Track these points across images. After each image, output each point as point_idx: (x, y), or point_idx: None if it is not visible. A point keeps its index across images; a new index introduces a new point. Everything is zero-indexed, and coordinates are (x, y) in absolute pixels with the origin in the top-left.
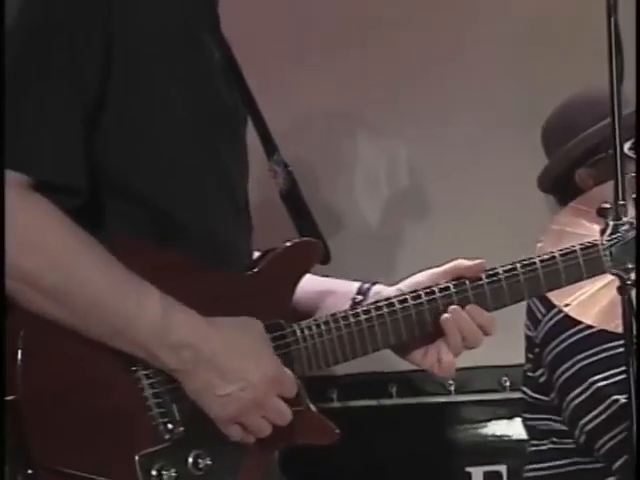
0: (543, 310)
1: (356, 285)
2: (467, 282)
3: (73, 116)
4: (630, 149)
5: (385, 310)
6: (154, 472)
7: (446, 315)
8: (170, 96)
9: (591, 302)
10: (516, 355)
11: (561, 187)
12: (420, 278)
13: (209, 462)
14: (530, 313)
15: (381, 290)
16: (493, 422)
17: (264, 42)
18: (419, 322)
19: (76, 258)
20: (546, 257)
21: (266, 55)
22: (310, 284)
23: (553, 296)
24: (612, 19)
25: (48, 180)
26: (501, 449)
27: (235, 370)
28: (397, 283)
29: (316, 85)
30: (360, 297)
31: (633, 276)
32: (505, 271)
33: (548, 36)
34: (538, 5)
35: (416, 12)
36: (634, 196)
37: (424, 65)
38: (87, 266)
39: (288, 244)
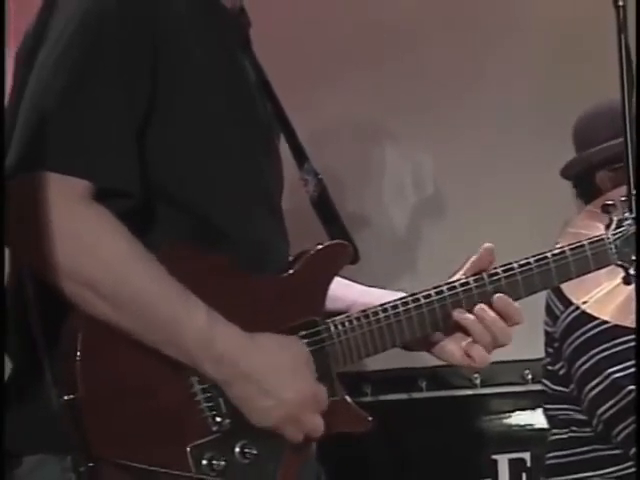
0: (561, 307)
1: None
2: (485, 276)
3: (126, 128)
4: None
5: (411, 305)
6: (205, 462)
7: (465, 313)
8: (212, 112)
9: (607, 299)
10: (537, 350)
11: (583, 182)
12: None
13: (254, 452)
14: (549, 310)
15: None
16: (516, 413)
17: (295, 57)
18: (442, 315)
19: (131, 266)
20: (557, 251)
21: (297, 70)
22: (341, 286)
23: (571, 294)
24: (622, 36)
25: (107, 186)
26: (524, 438)
27: (271, 387)
28: (421, 281)
29: (345, 98)
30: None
31: (635, 269)
32: (520, 265)
33: (564, 48)
34: (554, 19)
35: (440, 28)
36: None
37: (447, 78)
38: (141, 275)
39: (320, 246)
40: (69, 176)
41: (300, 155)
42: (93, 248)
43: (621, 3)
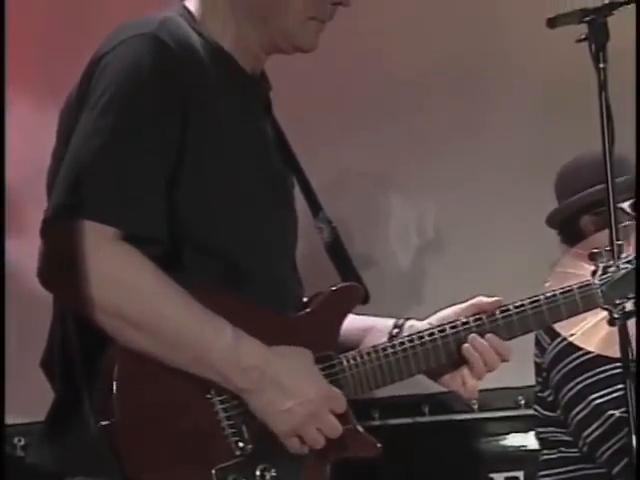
0: (548, 340)
1: (392, 321)
2: (484, 317)
3: (155, 184)
4: (629, 206)
5: (417, 342)
6: None
7: (467, 344)
8: (236, 168)
9: (592, 332)
10: (528, 378)
11: (567, 228)
12: (446, 313)
13: (274, 474)
14: (538, 343)
15: (414, 324)
16: (511, 435)
17: (311, 115)
18: (445, 351)
19: (162, 299)
20: (549, 294)
21: (313, 127)
22: (354, 322)
23: (560, 327)
24: (603, 94)
25: (135, 233)
26: (518, 458)
27: (294, 388)
28: (426, 318)
29: (355, 151)
30: (396, 330)
31: (620, 309)
32: (515, 307)
33: (554, 106)
34: (546, 79)
35: (445, 87)
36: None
37: (449, 133)
38: (169, 303)
39: (334, 288)
40: (102, 224)
41: (315, 205)
42: (124, 282)
43: (602, 66)
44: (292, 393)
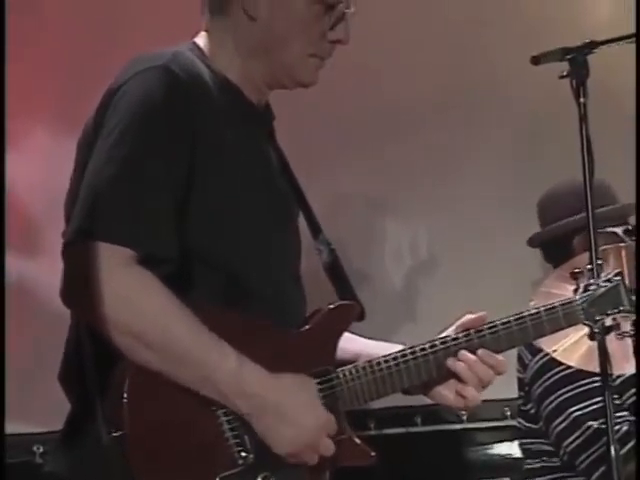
0: (529, 356)
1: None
2: (472, 332)
3: (166, 208)
4: (623, 232)
5: (409, 357)
6: None
7: (458, 361)
8: (241, 192)
9: (573, 348)
10: (514, 391)
11: (553, 249)
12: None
13: None
14: (519, 359)
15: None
16: (497, 444)
17: (311, 143)
18: (436, 365)
19: (171, 320)
20: (534, 311)
21: (311, 154)
22: (349, 341)
23: (543, 343)
24: (583, 126)
25: (148, 253)
26: (504, 466)
27: (293, 417)
28: (419, 333)
29: (352, 177)
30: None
31: (600, 325)
32: (502, 323)
33: (543, 131)
34: (536, 105)
35: (437, 117)
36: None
37: (440, 160)
38: (179, 326)
39: (331, 306)
40: (117, 246)
41: (315, 228)
42: (137, 304)
43: (582, 100)
44: (291, 422)
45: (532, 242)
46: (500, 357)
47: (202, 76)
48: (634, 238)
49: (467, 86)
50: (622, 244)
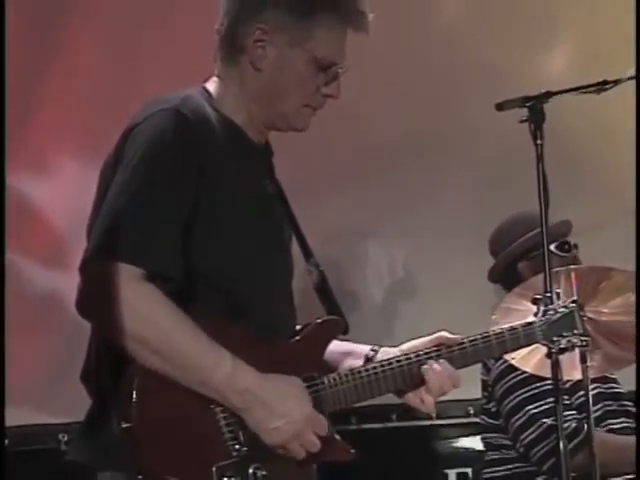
0: (492, 361)
1: (369, 347)
2: (443, 348)
3: (173, 232)
4: (556, 247)
5: (386, 367)
6: (225, 479)
7: (425, 366)
8: (241, 220)
9: (529, 357)
10: (476, 392)
11: (507, 277)
12: (414, 343)
13: (264, 473)
14: (484, 364)
15: (387, 350)
16: (462, 438)
17: (305, 178)
18: (410, 375)
19: (174, 328)
20: (498, 331)
21: (304, 188)
22: (337, 347)
23: None
24: (540, 165)
25: (155, 272)
26: (468, 457)
27: (281, 410)
28: (397, 345)
29: (340, 209)
30: (372, 354)
31: (557, 346)
32: (470, 341)
33: (505, 169)
34: (499, 146)
35: (413, 155)
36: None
37: (415, 194)
38: (182, 335)
39: (319, 321)
40: (129, 265)
41: (307, 252)
42: (144, 315)
43: (539, 142)
44: (279, 415)
45: (491, 276)
46: (458, 373)
47: (209, 117)
48: (569, 252)
49: (440, 130)
50: (573, 267)
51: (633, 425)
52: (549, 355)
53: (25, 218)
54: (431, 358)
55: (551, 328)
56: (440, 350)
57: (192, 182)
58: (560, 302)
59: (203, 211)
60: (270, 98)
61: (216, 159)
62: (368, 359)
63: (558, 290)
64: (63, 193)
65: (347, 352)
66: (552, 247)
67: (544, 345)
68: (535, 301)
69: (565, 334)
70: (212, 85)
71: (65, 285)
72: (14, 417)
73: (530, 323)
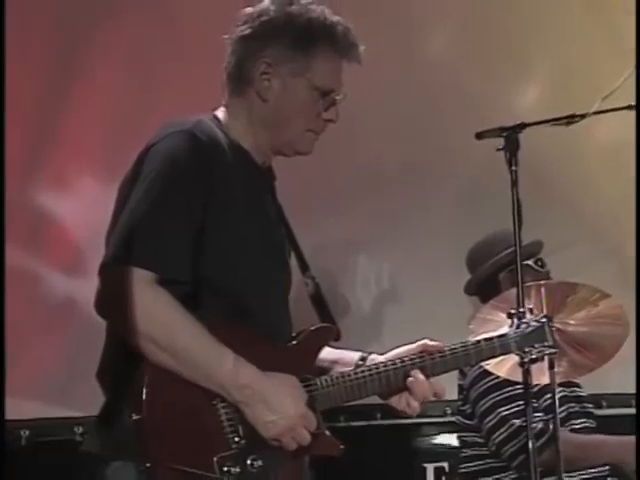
0: (468, 367)
1: (359, 354)
2: (426, 355)
3: (184, 241)
4: (534, 263)
5: (374, 371)
6: (225, 468)
7: (411, 378)
8: (245, 234)
9: (503, 363)
10: (453, 394)
11: (484, 288)
12: (400, 350)
13: (260, 463)
14: (460, 370)
15: (375, 357)
16: (440, 435)
17: (300, 198)
18: (395, 379)
19: (182, 329)
20: (475, 341)
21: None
22: (328, 355)
23: None
24: (514, 191)
25: (166, 276)
26: (444, 453)
27: (277, 405)
28: (383, 350)
29: (334, 226)
30: (361, 362)
31: (529, 356)
32: (450, 350)
33: (483, 193)
34: (478, 171)
35: (397, 176)
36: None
37: (402, 210)
38: (189, 335)
39: (313, 328)
40: (143, 269)
41: (303, 265)
42: (155, 316)
43: (514, 168)
44: (275, 409)
45: (468, 290)
46: (441, 385)
47: (220, 141)
48: (543, 267)
49: (424, 156)
50: (542, 282)
51: (593, 425)
52: (522, 364)
53: (47, 230)
54: (414, 365)
55: (524, 340)
56: (423, 357)
57: (202, 197)
58: (532, 316)
59: (211, 223)
60: (276, 124)
61: (224, 178)
62: (358, 365)
63: (530, 306)
64: (81, 207)
65: (338, 359)
66: (530, 262)
67: (517, 355)
68: (510, 315)
69: (536, 345)
70: (221, 113)
71: (82, 291)
72: (34, 410)
73: (505, 335)
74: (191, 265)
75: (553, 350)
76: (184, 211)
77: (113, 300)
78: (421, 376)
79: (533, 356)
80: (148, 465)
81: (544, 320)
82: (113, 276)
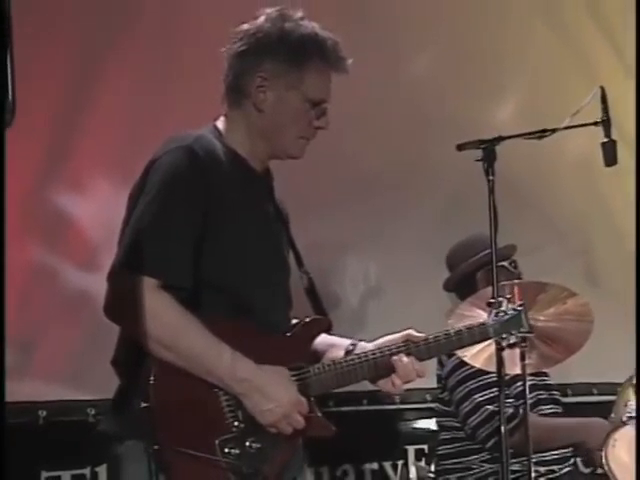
0: (446, 358)
1: (349, 341)
2: (411, 343)
3: (186, 249)
4: (509, 264)
5: (363, 358)
6: (226, 450)
7: (396, 357)
8: (246, 236)
9: (479, 354)
10: (432, 382)
11: (462, 286)
12: (387, 338)
13: (259, 445)
14: (439, 360)
15: (364, 345)
16: (420, 420)
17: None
18: (384, 365)
19: (184, 330)
20: (457, 329)
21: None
22: (323, 339)
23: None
24: (491, 198)
25: (169, 283)
26: (424, 436)
27: (273, 395)
28: (372, 341)
29: (325, 226)
30: (351, 347)
31: (507, 341)
32: (433, 337)
33: (462, 199)
34: (457, 180)
35: (383, 183)
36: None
37: (386, 214)
38: (191, 335)
39: (307, 319)
40: (148, 277)
41: (299, 262)
42: (159, 318)
43: (491, 178)
44: (271, 398)
45: (446, 286)
46: (423, 364)
47: (217, 152)
48: (516, 269)
49: (409, 165)
50: (516, 281)
51: (560, 410)
52: (500, 349)
53: (64, 229)
54: (400, 352)
55: (502, 326)
56: (408, 345)
57: (201, 206)
58: (510, 305)
59: (211, 232)
60: (272, 133)
61: (222, 185)
62: (348, 352)
63: (508, 296)
64: (96, 208)
65: (331, 344)
66: (505, 263)
67: (494, 341)
68: (489, 304)
69: (513, 332)
70: (221, 123)
71: (96, 284)
72: (51, 393)
73: (484, 323)
74: (192, 271)
75: (528, 335)
76: (185, 221)
77: (121, 305)
78: (405, 358)
79: (511, 341)
80: (156, 447)
81: (520, 308)
82: (120, 283)
